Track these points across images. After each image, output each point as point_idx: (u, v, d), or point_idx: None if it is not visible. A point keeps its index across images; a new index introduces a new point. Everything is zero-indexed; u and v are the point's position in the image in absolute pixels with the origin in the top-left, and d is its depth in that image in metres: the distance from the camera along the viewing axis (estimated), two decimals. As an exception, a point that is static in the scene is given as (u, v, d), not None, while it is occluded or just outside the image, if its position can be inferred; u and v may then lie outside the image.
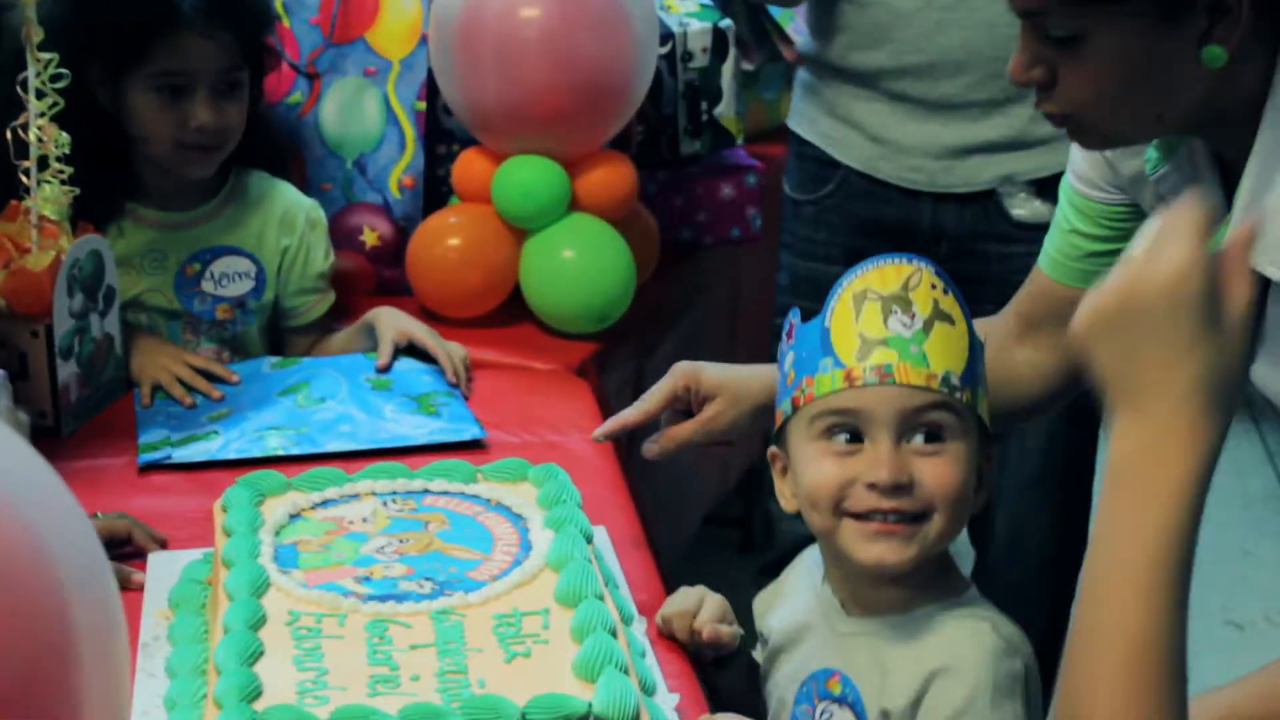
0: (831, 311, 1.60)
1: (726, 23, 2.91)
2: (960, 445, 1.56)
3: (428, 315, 2.50)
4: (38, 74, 2.05)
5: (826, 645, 1.65)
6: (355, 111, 2.62)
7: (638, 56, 2.52)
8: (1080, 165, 1.75)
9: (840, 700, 1.61)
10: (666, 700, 1.65)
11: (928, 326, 1.56)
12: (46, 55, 2.05)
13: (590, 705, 1.47)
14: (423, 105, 2.62)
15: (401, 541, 1.74)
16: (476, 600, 1.63)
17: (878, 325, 1.56)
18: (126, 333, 2.28)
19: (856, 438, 1.57)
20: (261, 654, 1.53)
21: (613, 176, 2.58)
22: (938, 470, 1.55)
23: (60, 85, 2.07)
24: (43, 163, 2.11)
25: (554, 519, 1.77)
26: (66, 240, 2.14)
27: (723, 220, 2.95)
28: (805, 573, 1.75)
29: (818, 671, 1.63)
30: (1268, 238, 1.45)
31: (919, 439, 1.55)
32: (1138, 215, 1.71)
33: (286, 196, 2.42)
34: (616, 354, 2.64)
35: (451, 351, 2.36)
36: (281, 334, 2.45)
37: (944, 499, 1.55)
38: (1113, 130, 1.58)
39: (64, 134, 2.10)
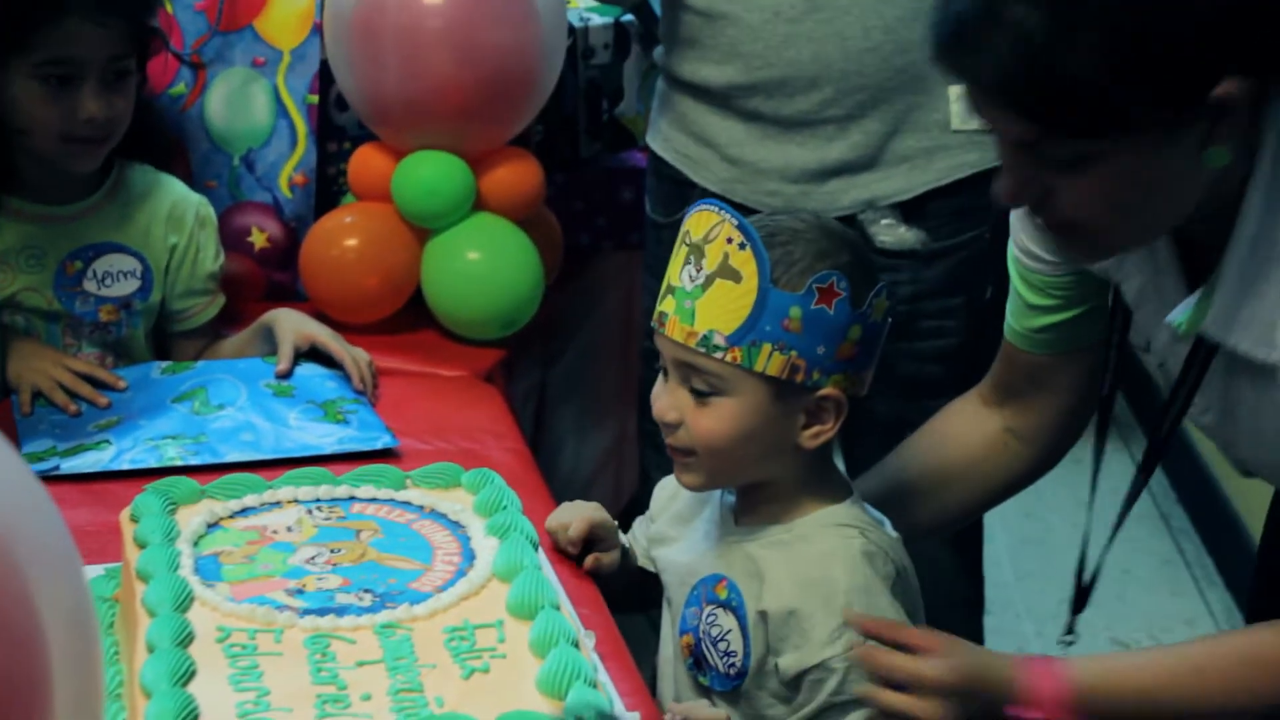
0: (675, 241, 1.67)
1: (629, 18, 2.80)
2: (729, 400, 1.62)
3: (322, 321, 2.35)
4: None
5: (715, 552, 1.71)
6: (243, 104, 2.46)
7: (545, 46, 2.40)
8: (1022, 238, 1.72)
9: (725, 605, 1.66)
10: (626, 718, 1.54)
11: (708, 282, 1.61)
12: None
13: (563, 722, 1.35)
14: (315, 99, 2.47)
15: (333, 551, 1.60)
16: (423, 613, 1.50)
17: (677, 272, 1.64)
18: (2, 335, 2.10)
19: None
20: (194, 673, 1.39)
21: (519, 174, 2.45)
22: (699, 420, 1.64)
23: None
24: (-85, 148, 1.93)
25: (496, 526, 1.64)
26: (-61, 234, 1.96)
27: (622, 225, 2.84)
28: None
29: (708, 577, 1.68)
30: (1242, 317, 1.48)
31: (691, 386, 1.64)
32: (1084, 282, 1.71)
33: (174, 191, 2.26)
34: (521, 362, 2.51)
35: (357, 356, 2.21)
36: (168, 339, 2.29)
37: (704, 445, 1.64)
38: (1114, 242, 1.55)
39: (-66, 119, 1.93)
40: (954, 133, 2.26)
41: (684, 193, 2.35)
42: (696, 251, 1.62)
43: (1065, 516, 4.01)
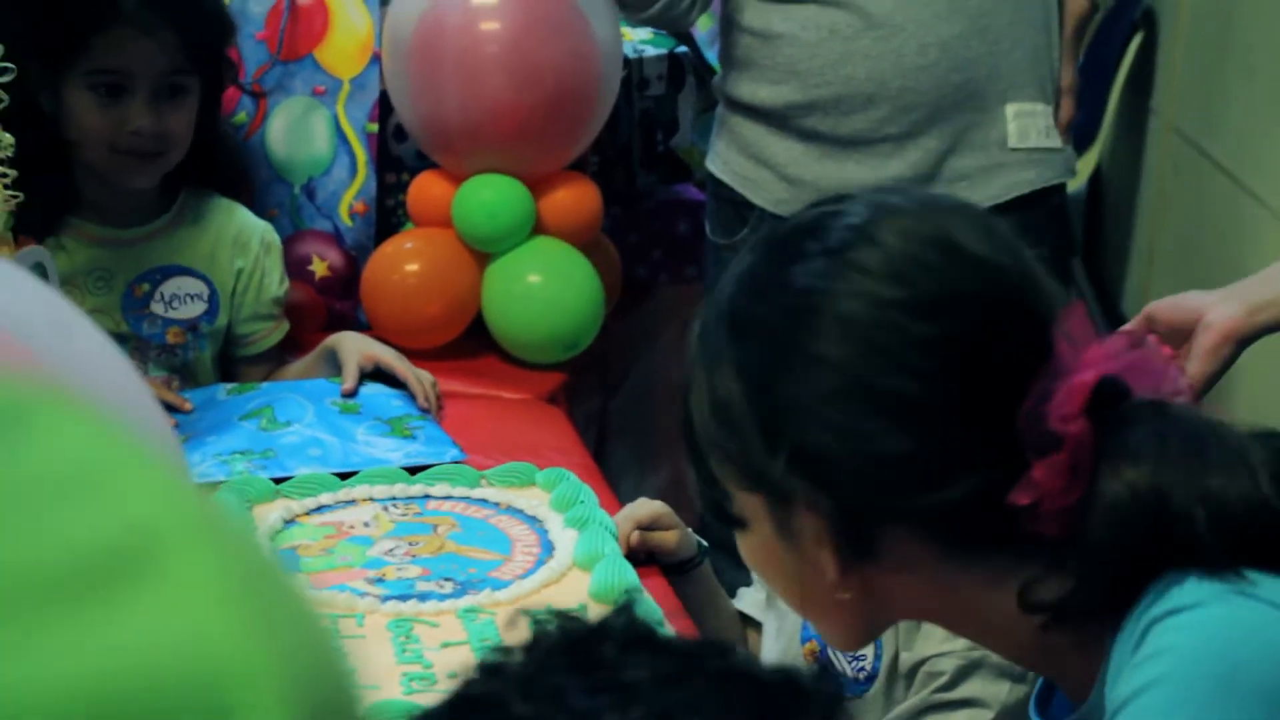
0: None
1: (683, 50, 2.81)
2: None
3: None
4: (-21, 67, 1.89)
5: None
6: (303, 133, 2.47)
7: (603, 67, 2.41)
8: None
9: None
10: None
11: None
12: (-12, 46, 1.89)
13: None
14: (374, 127, 2.48)
15: (411, 544, 1.59)
16: (505, 598, 1.49)
17: None
18: (69, 357, 2.09)
19: None
20: (277, 654, 1.37)
21: (578, 197, 2.45)
22: None
23: (4, 80, 1.91)
24: (-15, 165, 1.94)
25: (575, 518, 1.63)
26: (9, 252, 1.96)
27: (679, 258, 2.83)
28: None
29: None
30: None
31: None
32: None
33: (240, 217, 2.27)
34: (582, 388, 2.50)
35: (421, 376, 2.21)
36: (234, 363, 2.29)
37: None
38: None
39: (8, 135, 1.93)
40: (1012, 150, 2.26)
41: (742, 214, 2.35)
42: None
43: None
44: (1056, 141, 2.30)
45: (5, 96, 1.92)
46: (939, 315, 1.05)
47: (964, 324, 1.05)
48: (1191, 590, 0.99)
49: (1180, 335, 1.50)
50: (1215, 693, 0.96)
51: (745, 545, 1.17)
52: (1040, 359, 1.04)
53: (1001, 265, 1.07)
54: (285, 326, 2.31)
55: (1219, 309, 1.50)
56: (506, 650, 0.81)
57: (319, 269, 2.48)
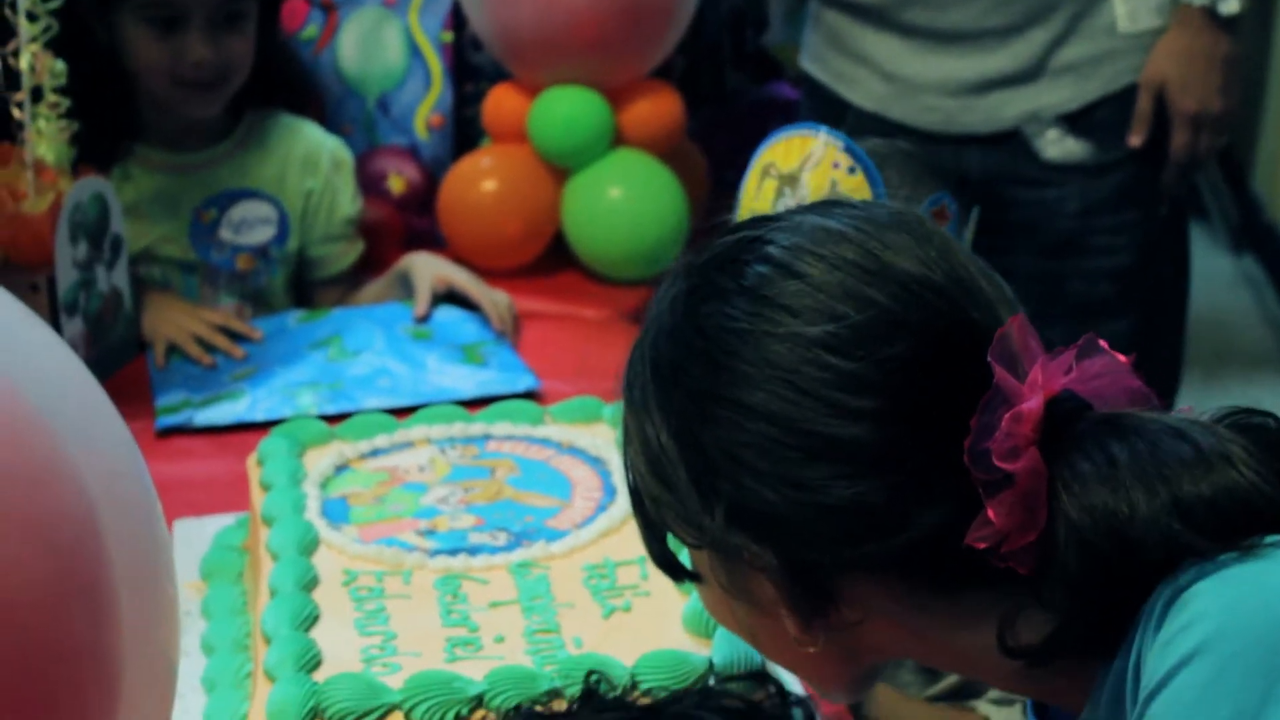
0: (743, 183, 1.53)
1: (772, -58, 2.69)
2: None
3: (463, 266, 2.27)
4: (28, -6, 1.83)
5: None
6: (375, 45, 2.40)
7: (683, -29, 2.31)
8: None
9: None
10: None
11: None
12: (36, -27, 1.83)
13: (711, 661, 1.26)
14: (449, 37, 2.40)
15: (467, 490, 1.52)
16: (560, 551, 1.42)
17: (768, 206, 1.48)
18: (137, 288, 2.05)
19: None
20: (317, 618, 1.32)
21: (659, 107, 2.36)
22: None
23: (52, 5, 1.85)
24: (37, 94, 1.88)
25: (639, 460, 1.55)
26: (66, 183, 1.91)
27: (773, 161, 2.73)
28: None
29: None
30: None
31: None
32: None
33: (308, 135, 2.20)
34: (669, 302, 2.42)
35: (496, 299, 2.14)
36: (307, 288, 2.23)
37: None
38: None
39: (59, 62, 1.88)
40: (1122, 36, 2.14)
41: (838, 113, 2.25)
42: (789, 181, 1.49)
43: None
44: (1168, 18, 2.16)
45: (55, 24, 1.87)
46: (869, 348, 0.94)
47: (897, 353, 0.94)
48: (1212, 563, 0.90)
49: None
50: (1260, 657, 0.88)
51: (704, 598, 1.08)
52: (982, 386, 0.93)
53: (934, 282, 0.97)
54: (360, 247, 2.25)
55: None
56: None
57: (396, 185, 2.41)
